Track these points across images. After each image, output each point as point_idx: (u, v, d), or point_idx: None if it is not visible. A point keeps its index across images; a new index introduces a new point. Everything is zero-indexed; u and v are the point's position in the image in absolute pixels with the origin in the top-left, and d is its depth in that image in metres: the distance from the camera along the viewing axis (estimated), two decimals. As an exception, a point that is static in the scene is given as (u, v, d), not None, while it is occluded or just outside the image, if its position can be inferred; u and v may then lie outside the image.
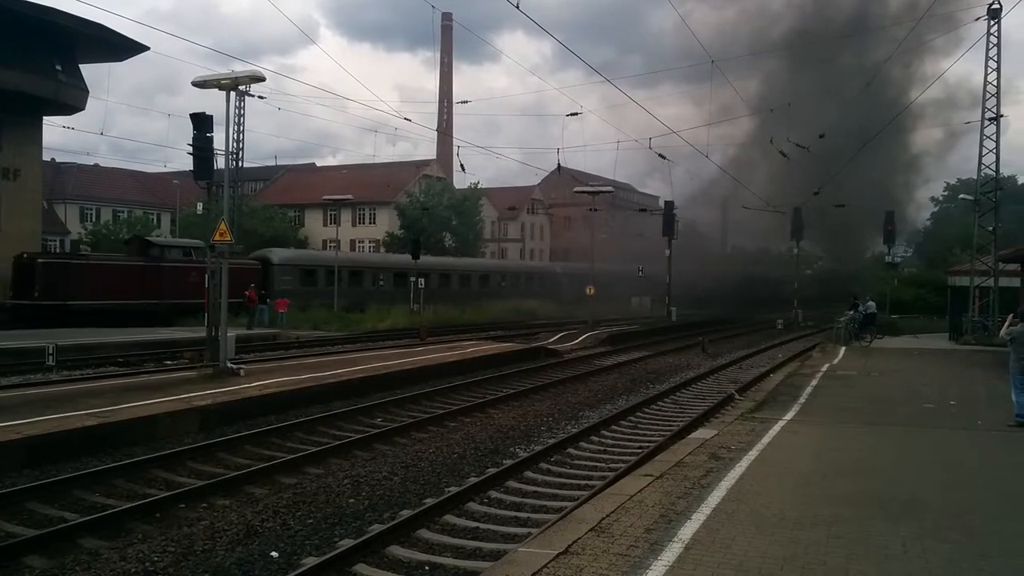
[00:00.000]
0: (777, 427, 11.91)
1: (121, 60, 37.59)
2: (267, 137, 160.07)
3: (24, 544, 7.52)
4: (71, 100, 33.06)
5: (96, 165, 68.00)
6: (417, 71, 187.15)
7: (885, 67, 36.50)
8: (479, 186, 69.15)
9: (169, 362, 23.03)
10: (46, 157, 43.71)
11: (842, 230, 51.86)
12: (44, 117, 34.25)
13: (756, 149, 44.98)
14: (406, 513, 8.70)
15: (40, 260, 30.96)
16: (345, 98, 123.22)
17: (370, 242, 70.16)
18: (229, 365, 17.40)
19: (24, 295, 29.75)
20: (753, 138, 44.39)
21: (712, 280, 57.22)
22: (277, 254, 40.65)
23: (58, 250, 55.65)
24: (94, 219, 65.19)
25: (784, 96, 46.02)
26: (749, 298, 54.40)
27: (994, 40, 30.31)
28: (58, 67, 31.99)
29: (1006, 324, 12.99)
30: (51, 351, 20.36)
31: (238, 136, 38.04)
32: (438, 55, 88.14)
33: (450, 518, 8.71)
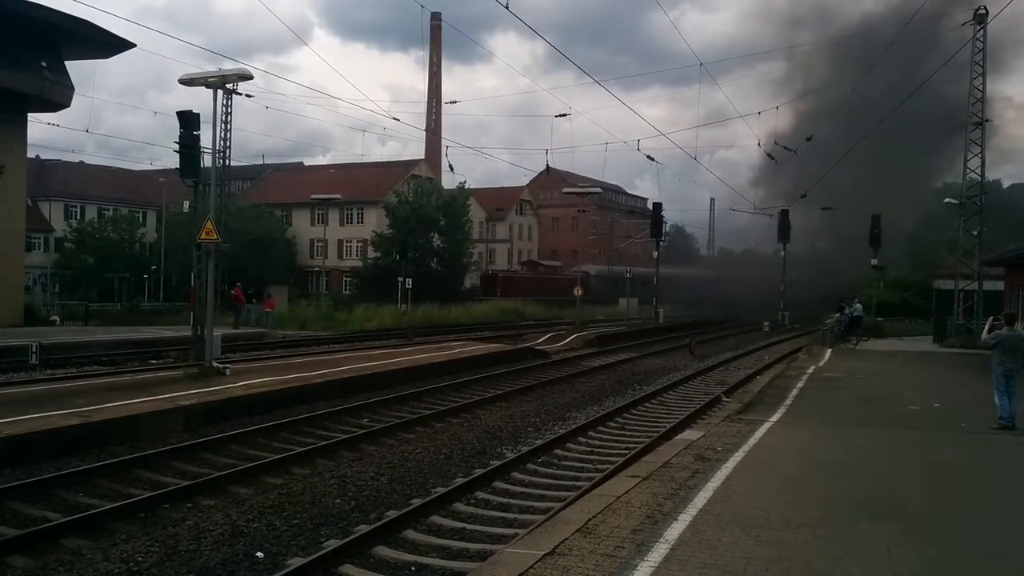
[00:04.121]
0: (763, 429, 11.95)
1: (107, 57, 37.19)
2: (257, 136, 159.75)
3: (6, 544, 7.44)
4: (56, 97, 32.66)
5: (81, 162, 67.39)
6: (409, 71, 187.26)
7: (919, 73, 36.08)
8: (467, 186, 69.01)
9: (154, 361, 22.90)
10: (30, 154, 43.24)
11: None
12: (29, 114, 33.91)
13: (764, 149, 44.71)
14: (392, 513, 8.67)
15: (500, 274, 60.86)
16: (335, 97, 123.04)
17: (358, 242, 69.93)
18: (215, 364, 17.31)
19: (490, 294, 57.71)
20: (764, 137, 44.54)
21: (711, 282, 57.66)
22: (592, 269, 59.84)
23: (43, 249, 60.48)
24: (79, 217, 64.69)
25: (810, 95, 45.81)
26: (741, 300, 54.65)
27: (980, 45, 30.58)
28: (43, 63, 31.63)
29: (987, 327, 13.10)
30: (34, 349, 20.18)
31: (225, 134, 37.83)
32: (427, 55, 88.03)
33: (437, 518, 8.68)
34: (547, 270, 65.18)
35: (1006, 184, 74.35)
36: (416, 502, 9.13)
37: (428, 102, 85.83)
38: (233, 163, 42.67)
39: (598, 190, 59.83)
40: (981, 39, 30.55)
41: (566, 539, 6.44)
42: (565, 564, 5.87)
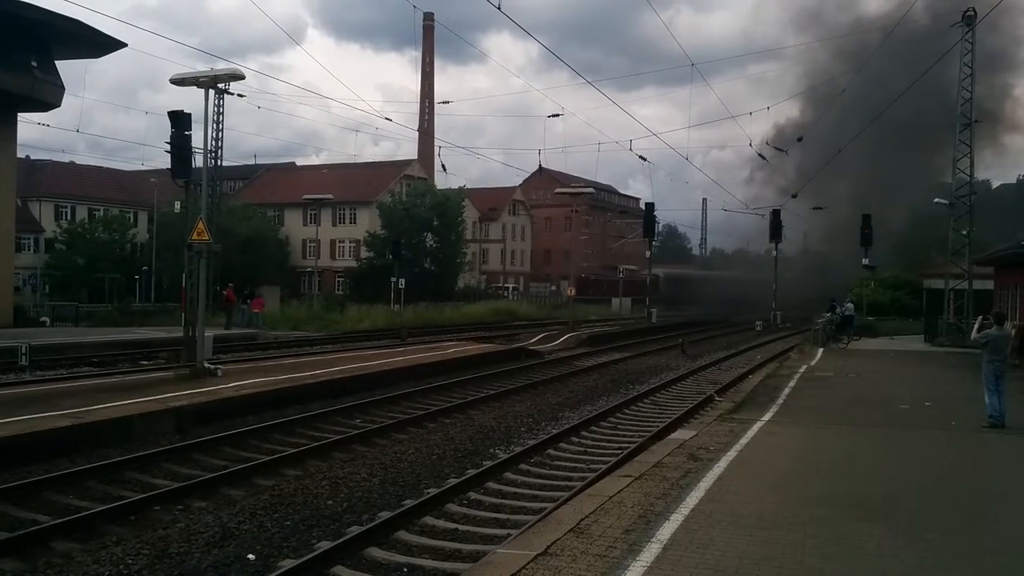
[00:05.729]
0: (755, 428, 11.97)
1: (98, 57, 37.02)
2: (249, 136, 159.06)
3: (-5, 547, 7.40)
4: (46, 97, 32.46)
5: (72, 163, 67.05)
6: (403, 71, 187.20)
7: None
8: (462, 187, 69.04)
9: (145, 362, 22.78)
10: (20, 154, 42.96)
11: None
12: (19, 114, 33.70)
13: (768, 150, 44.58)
14: (385, 514, 8.65)
15: (592, 278, 67.71)
16: (327, 97, 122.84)
17: (350, 242, 69.83)
18: (206, 365, 17.25)
19: (584, 294, 57.06)
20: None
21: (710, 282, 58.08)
22: (662, 272, 62.83)
23: (33, 249, 60.01)
24: (69, 217, 64.33)
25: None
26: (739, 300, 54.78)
27: (968, 46, 30.72)
28: (33, 63, 31.44)
29: (976, 326, 13.18)
30: (24, 351, 20.06)
31: (217, 134, 37.63)
32: (420, 55, 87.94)
33: (429, 519, 8.68)
34: (627, 273, 72.96)
35: (995, 184, 74.80)
36: (409, 503, 9.11)
37: (421, 102, 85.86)
38: (225, 163, 42.00)
39: (591, 190, 60.19)
40: (970, 40, 30.71)
41: (558, 539, 6.44)
42: (557, 564, 5.87)
